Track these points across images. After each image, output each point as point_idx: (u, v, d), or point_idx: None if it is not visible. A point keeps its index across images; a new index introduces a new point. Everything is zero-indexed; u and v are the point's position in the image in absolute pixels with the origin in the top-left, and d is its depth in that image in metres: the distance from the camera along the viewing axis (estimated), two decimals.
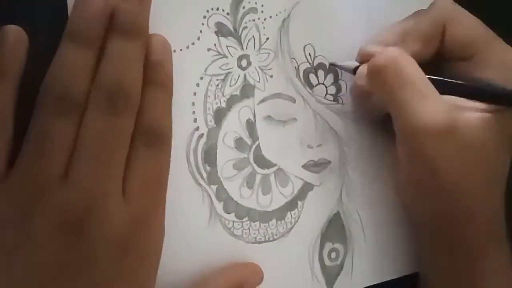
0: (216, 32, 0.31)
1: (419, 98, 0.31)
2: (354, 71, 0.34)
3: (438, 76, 0.32)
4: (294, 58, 0.34)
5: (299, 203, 0.34)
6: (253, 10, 0.32)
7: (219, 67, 0.32)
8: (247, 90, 0.32)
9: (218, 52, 0.31)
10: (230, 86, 0.32)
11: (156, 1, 0.28)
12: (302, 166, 0.34)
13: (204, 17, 0.31)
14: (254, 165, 0.33)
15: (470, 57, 0.33)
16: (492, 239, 0.33)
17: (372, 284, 0.36)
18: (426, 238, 0.35)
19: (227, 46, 0.32)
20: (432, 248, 0.35)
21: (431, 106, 0.31)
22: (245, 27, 0.32)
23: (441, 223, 0.33)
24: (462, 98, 0.32)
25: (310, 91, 0.34)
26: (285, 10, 0.33)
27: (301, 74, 0.34)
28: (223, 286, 0.30)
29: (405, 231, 0.37)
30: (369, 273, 0.36)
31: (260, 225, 0.33)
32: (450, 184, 0.32)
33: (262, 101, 0.33)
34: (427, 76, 0.32)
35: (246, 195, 0.32)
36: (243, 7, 0.32)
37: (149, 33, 0.28)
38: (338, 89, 0.35)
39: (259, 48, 0.33)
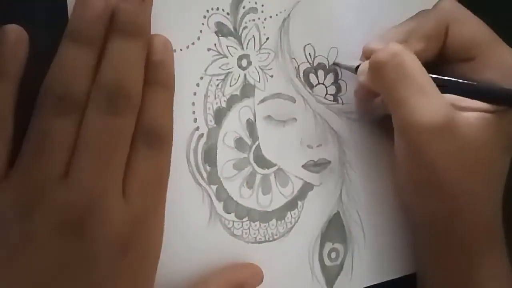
0: (216, 32, 0.31)
1: (419, 95, 0.31)
2: (356, 70, 0.34)
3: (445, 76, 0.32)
4: (294, 58, 0.34)
5: (299, 203, 0.34)
6: (253, 10, 0.32)
7: (219, 67, 0.32)
8: (247, 90, 0.32)
9: (218, 52, 0.31)
10: (230, 86, 0.32)
11: (156, 1, 0.28)
12: (302, 166, 0.34)
13: (204, 17, 0.31)
14: (254, 165, 0.33)
15: (472, 58, 0.33)
16: (490, 239, 0.33)
17: (372, 284, 0.36)
18: (424, 238, 0.35)
19: (227, 46, 0.32)
20: (430, 248, 0.35)
21: (430, 103, 0.31)
22: (245, 27, 0.32)
23: (439, 223, 0.33)
24: (462, 97, 0.32)
25: (310, 91, 0.34)
26: (285, 10, 0.33)
27: (301, 74, 0.34)
28: (223, 286, 0.30)
29: (405, 231, 0.37)
30: (369, 273, 0.36)
31: (260, 225, 0.33)
32: (448, 183, 0.32)
33: (262, 101, 0.33)
34: (429, 74, 0.32)
35: (246, 195, 0.32)
36: (243, 7, 0.32)
37: (151, 33, 0.28)
38: (338, 89, 0.35)
39: (259, 48, 0.33)
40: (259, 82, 0.33)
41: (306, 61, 0.34)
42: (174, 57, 0.29)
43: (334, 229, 0.35)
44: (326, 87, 0.35)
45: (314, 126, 0.34)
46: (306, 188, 0.34)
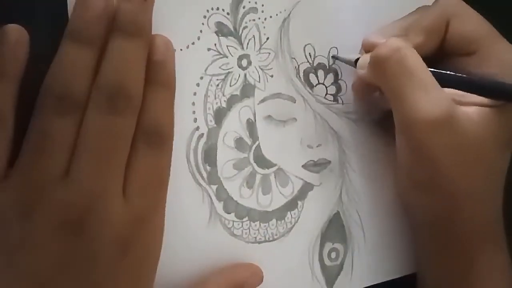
0: (216, 32, 0.31)
1: (419, 89, 0.31)
2: (355, 63, 0.34)
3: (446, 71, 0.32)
4: (294, 58, 0.34)
5: (299, 203, 0.34)
6: (253, 10, 0.32)
7: (219, 67, 0.32)
8: (247, 90, 0.32)
9: (218, 52, 0.31)
10: (230, 86, 0.32)
11: (157, 1, 0.28)
12: (302, 166, 0.34)
13: (204, 17, 0.31)
14: (254, 165, 0.33)
15: (472, 53, 0.33)
16: (490, 238, 0.33)
17: (372, 284, 0.36)
18: (424, 237, 0.35)
19: (227, 46, 0.32)
20: (430, 248, 0.35)
21: (431, 98, 0.31)
22: (245, 27, 0.32)
23: (438, 222, 0.33)
24: (462, 92, 0.32)
25: (310, 91, 0.34)
26: (285, 10, 0.33)
27: (301, 74, 0.34)
28: (223, 286, 0.30)
29: (405, 231, 0.37)
30: (369, 273, 0.36)
31: (260, 225, 0.33)
32: (448, 179, 0.32)
33: (262, 101, 0.33)
34: (430, 69, 0.32)
35: (246, 195, 0.32)
36: (243, 7, 0.32)
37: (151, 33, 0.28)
38: (338, 89, 0.35)
39: (260, 48, 0.33)
40: (259, 82, 0.33)
41: (306, 61, 0.34)
42: (175, 57, 0.29)
43: (334, 229, 0.35)
44: (326, 87, 0.35)
45: (314, 126, 0.34)
46: (306, 188, 0.34)
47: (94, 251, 0.25)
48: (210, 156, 0.31)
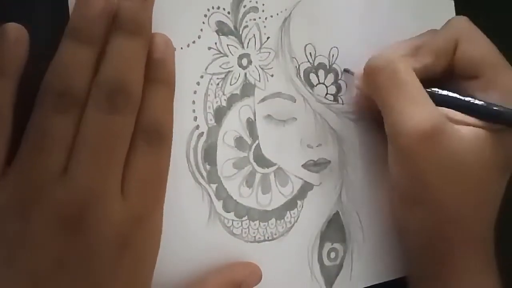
0: (216, 31, 0.31)
1: (410, 102, 0.31)
2: None
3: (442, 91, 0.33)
4: (295, 58, 0.34)
5: (299, 202, 0.34)
6: (254, 9, 0.32)
7: (220, 66, 0.32)
8: (247, 89, 0.32)
9: (218, 50, 0.31)
10: (230, 85, 0.32)
11: (158, 0, 0.28)
12: (302, 166, 0.34)
13: (205, 15, 0.31)
14: (254, 164, 0.33)
15: (476, 77, 0.33)
16: (477, 261, 0.33)
17: (372, 284, 0.36)
18: (411, 247, 0.35)
19: (227, 45, 0.32)
20: (418, 258, 0.35)
21: (421, 111, 0.31)
22: (246, 26, 0.32)
23: (423, 236, 0.33)
24: (458, 112, 0.32)
25: (311, 91, 0.34)
26: (286, 9, 0.33)
27: (302, 74, 0.34)
28: (221, 285, 0.30)
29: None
30: (368, 273, 0.36)
31: (259, 224, 0.33)
32: (435, 195, 0.32)
33: (263, 100, 0.33)
34: (427, 89, 0.32)
35: (245, 194, 0.32)
36: (244, 6, 0.32)
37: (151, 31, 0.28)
38: (338, 89, 0.35)
39: (260, 47, 0.33)
40: (259, 81, 0.33)
41: (307, 60, 0.34)
42: (175, 56, 0.29)
43: (334, 229, 0.35)
44: (326, 87, 0.35)
45: (314, 125, 0.34)
46: (306, 187, 0.34)
47: (92, 249, 0.25)
48: (210, 155, 0.31)
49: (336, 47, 0.35)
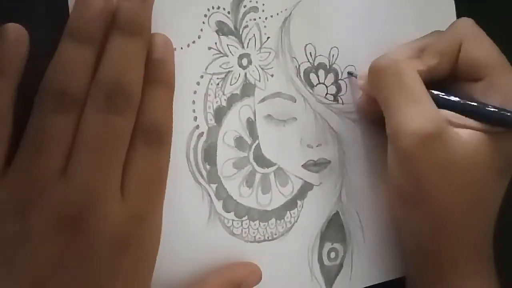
0: (217, 31, 0.31)
1: (412, 103, 0.31)
2: None
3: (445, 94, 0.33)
4: (295, 58, 0.34)
5: (299, 202, 0.34)
6: (254, 9, 0.32)
7: (220, 66, 0.32)
8: (247, 89, 0.32)
9: (218, 50, 0.31)
10: (230, 85, 0.32)
11: (158, 0, 0.28)
12: (302, 166, 0.34)
13: (205, 15, 0.31)
14: (254, 164, 0.33)
15: (479, 79, 0.33)
16: (474, 264, 0.33)
17: (372, 284, 0.36)
18: (410, 247, 0.35)
19: (227, 44, 0.32)
20: (416, 258, 0.35)
21: (423, 112, 0.31)
22: (246, 26, 0.32)
23: (422, 238, 0.33)
24: (459, 115, 0.32)
25: (311, 91, 0.34)
26: (286, 9, 0.33)
27: (302, 74, 0.34)
28: (221, 285, 0.30)
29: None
30: (368, 273, 0.36)
31: (259, 224, 0.33)
32: (433, 196, 0.32)
33: (263, 100, 0.33)
34: (430, 90, 0.32)
35: (245, 194, 0.32)
36: (244, 6, 0.32)
37: (151, 32, 0.28)
38: (339, 89, 0.35)
39: (260, 47, 0.33)
40: (259, 81, 0.33)
41: (307, 60, 0.34)
42: (175, 56, 0.29)
43: (334, 229, 0.35)
44: (326, 87, 0.35)
45: (314, 125, 0.34)
46: (306, 187, 0.34)
47: (91, 249, 0.25)
48: (210, 155, 0.31)
49: (336, 47, 0.35)
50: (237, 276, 0.31)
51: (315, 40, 0.34)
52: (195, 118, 0.31)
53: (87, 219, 0.25)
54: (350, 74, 0.36)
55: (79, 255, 0.25)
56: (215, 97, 0.31)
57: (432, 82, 0.33)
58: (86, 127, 0.26)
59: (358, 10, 0.36)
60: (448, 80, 0.34)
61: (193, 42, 0.31)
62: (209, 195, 0.31)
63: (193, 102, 0.31)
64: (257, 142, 0.33)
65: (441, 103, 0.32)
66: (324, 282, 0.34)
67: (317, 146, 0.34)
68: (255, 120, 0.33)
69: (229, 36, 0.32)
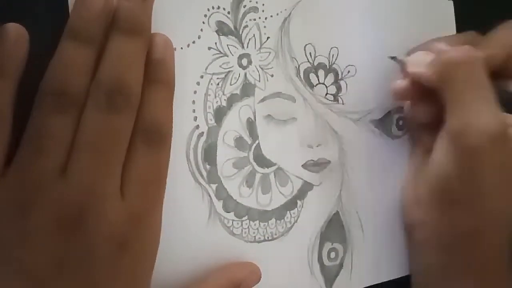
0: (217, 31, 0.31)
1: (483, 101, 0.31)
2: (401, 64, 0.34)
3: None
4: (295, 58, 0.34)
5: (299, 202, 0.34)
6: (254, 9, 0.32)
7: (220, 66, 0.32)
8: (247, 89, 0.32)
9: (218, 50, 0.31)
10: (230, 84, 0.32)
11: (158, 0, 0.28)
12: (302, 166, 0.34)
13: (205, 15, 0.31)
14: (254, 164, 0.33)
15: None
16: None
17: (372, 284, 0.36)
18: (432, 257, 0.34)
19: (227, 45, 0.32)
20: (440, 268, 0.34)
21: (492, 112, 0.31)
22: (246, 26, 0.32)
23: (459, 239, 0.33)
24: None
25: (311, 91, 0.34)
26: (286, 9, 0.33)
27: (302, 74, 0.34)
28: (221, 285, 0.30)
29: (404, 232, 0.37)
30: (368, 273, 0.36)
31: (259, 224, 0.33)
32: (487, 196, 0.32)
33: (263, 100, 0.33)
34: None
35: (245, 194, 0.32)
36: (244, 6, 0.32)
37: (151, 32, 0.28)
38: (339, 89, 0.35)
39: (260, 47, 0.33)
40: (259, 81, 0.33)
41: (307, 60, 0.34)
42: (175, 56, 0.29)
43: (334, 229, 0.35)
44: (326, 87, 0.35)
45: (314, 125, 0.34)
46: (306, 187, 0.34)
47: (91, 248, 0.25)
48: (210, 155, 0.31)
49: (336, 47, 0.35)
50: (236, 276, 0.31)
51: (315, 40, 0.34)
52: (195, 118, 0.31)
53: (86, 218, 0.25)
54: (392, 58, 0.35)
55: (79, 255, 0.25)
56: (215, 97, 0.31)
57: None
58: (86, 127, 0.26)
59: (358, 10, 0.36)
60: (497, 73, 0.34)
61: (193, 42, 0.31)
62: (209, 195, 0.31)
63: (193, 102, 0.31)
64: (257, 142, 0.33)
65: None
66: (324, 282, 0.34)
67: (317, 146, 0.34)
68: (255, 120, 0.33)
69: (229, 36, 0.32)
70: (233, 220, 0.32)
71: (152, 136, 0.27)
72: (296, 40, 0.34)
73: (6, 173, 0.26)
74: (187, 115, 0.31)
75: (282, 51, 0.33)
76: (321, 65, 0.35)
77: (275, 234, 0.33)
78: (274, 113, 0.33)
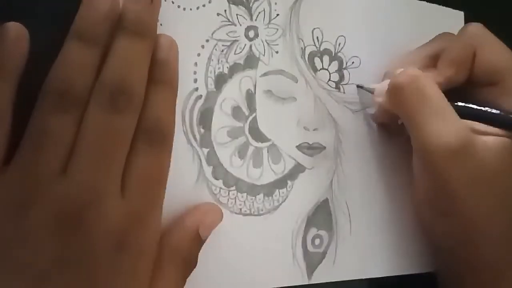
0: None
1: (437, 118, 0.31)
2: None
3: (463, 101, 0.33)
4: (302, 39, 0.34)
5: (289, 182, 0.33)
6: None
7: (226, 34, 0.32)
8: (251, 61, 0.32)
9: (227, 18, 0.32)
10: (235, 53, 0.32)
11: None
12: (297, 147, 0.34)
13: None
14: (249, 136, 0.32)
15: (495, 83, 0.34)
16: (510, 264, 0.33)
17: (355, 278, 0.35)
18: (443, 260, 0.35)
19: (236, 14, 0.32)
20: (451, 271, 0.34)
21: (448, 127, 0.31)
22: (257, 0, 0.33)
23: (460, 246, 0.33)
24: (482, 124, 0.32)
25: (314, 74, 0.34)
26: None
27: (306, 56, 0.34)
28: (179, 239, 0.29)
29: (393, 232, 0.36)
30: (352, 267, 0.35)
31: (247, 197, 0.32)
32: (466, 205, 0.32)
33: (265, 74, 0.33)
34: (453, 103, 0.32)
35: (236, 164, 0.32)
36: None
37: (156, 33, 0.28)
38: (341, 78, 0.35)
39: (268, 22, 0.33)
40: (263, 55, 0.33)
41: (313, 44, 0.34)
42: (183, 16, 0.29)
43: (321, 215, 0.34)
44: (329, 73, 0.35)
45: (313, 109, 0.34)
46: (298, 169, 0.34)
47: (91, 246, 0.25)
48: (205, 118, 0.31)
49: (344, 36, 0.35)
50: (192, 221, 0.29)
51: (323, 25, 0.35)
52: (195, 80, 0.31)
53: (86, 217, 0.25)
54: (360, 87, 0.36)
55: (79, 253, 0.25)
56: (218, 63, 0.31)
57: (449, 90, 0.33)
58: (88, 126, 0.26)
59: (371, 6, 0.36)
60: (462, 86, 0.34)
61: (203, 5, 0.31)
62: (200, 159, 0.31)
63: (195, 64, 0.31)
64: (254, 115, 0.32)
65: (462, 113, 0.32)
66: (305, 267, 0.33)
67: (313, 129, 0.34)
68: (255, 92, 0.32)
69: (239, 6, 0.32)
70: (220, 188, 0.31)
71: (154, 136, 0.27)
72: (305, 22, 0.34)
73: (6, 170, 0.25)
74: (187, 76, 0.31)
75: (290, 30, 0.34)
76: (326, 51, 0.35)
77: (261, 210, 0.32)
78: (274, 89, 0.33)
